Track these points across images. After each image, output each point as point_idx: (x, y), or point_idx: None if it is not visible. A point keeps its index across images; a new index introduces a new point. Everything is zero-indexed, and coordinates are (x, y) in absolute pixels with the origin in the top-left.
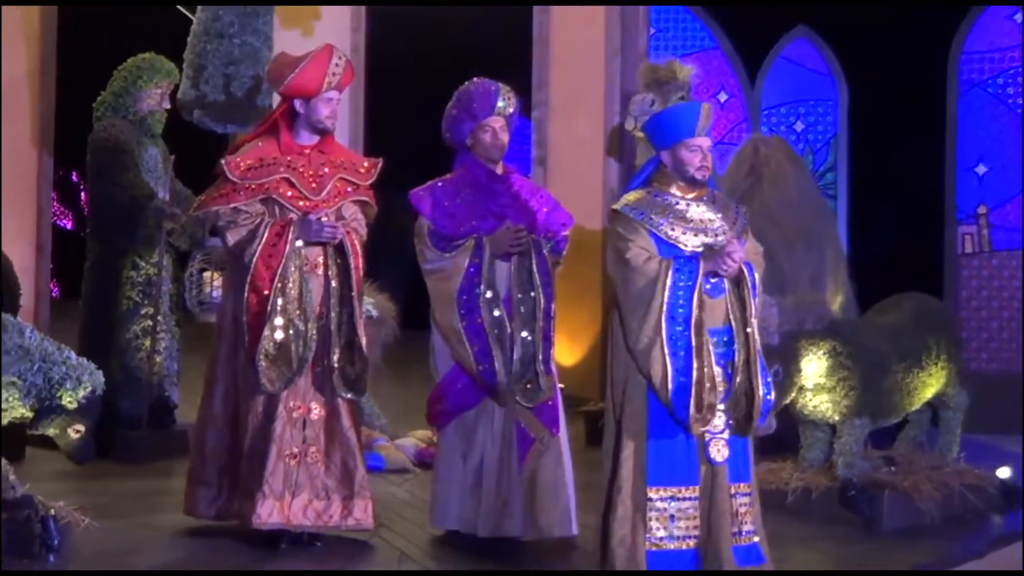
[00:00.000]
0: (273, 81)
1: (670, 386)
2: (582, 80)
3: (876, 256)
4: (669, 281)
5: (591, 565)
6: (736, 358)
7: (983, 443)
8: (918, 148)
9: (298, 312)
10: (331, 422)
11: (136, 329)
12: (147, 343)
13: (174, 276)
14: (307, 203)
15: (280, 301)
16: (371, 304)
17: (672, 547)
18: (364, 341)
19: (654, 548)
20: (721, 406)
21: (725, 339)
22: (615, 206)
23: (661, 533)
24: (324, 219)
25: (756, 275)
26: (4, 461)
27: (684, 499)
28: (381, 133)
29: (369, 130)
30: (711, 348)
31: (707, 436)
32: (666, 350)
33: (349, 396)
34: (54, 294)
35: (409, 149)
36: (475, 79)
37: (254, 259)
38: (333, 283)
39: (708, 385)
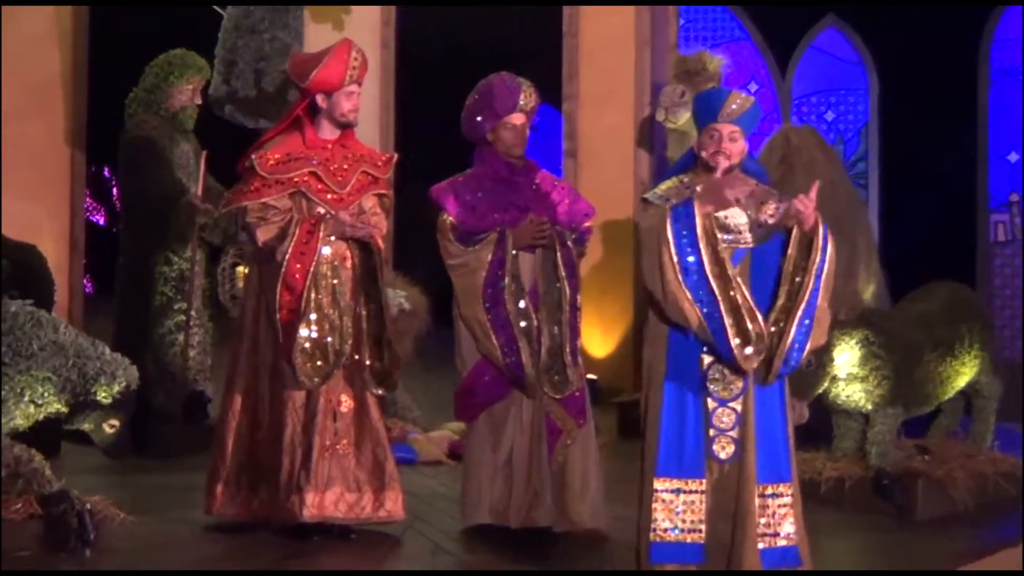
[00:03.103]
0: (296, 77)
1: (708, 331)
2: (612, 72)
3: (908, 245)
4: (671, 233)
5: (625, 555)
6: (774, 303)
7: (1016, 431)
8: (949, 136)
9: (332, 307)
10: (360, 414)
11: (170, 324)
12: (180, 338)
13: (207, 271)
14: (334, 196)
15: (314, 297)
16: (403, 297)
17: (674, 539)
18: (392, 335)
19: (657, 539)
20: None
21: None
22: (645, 195)
23: (666, 524)
24: (351, 215)
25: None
26: (40, 456)
27: (691, 492)
28: (411, 127)
29: (399, 124)
30: (739, 283)
31: (712, 432)
32: (690, 298)
33: (380, 392)
34: (88, 290)
35: (439, 143)
36: (497, 74)
37: (286, 257)
38: (360, 278)
39: (746, 315)
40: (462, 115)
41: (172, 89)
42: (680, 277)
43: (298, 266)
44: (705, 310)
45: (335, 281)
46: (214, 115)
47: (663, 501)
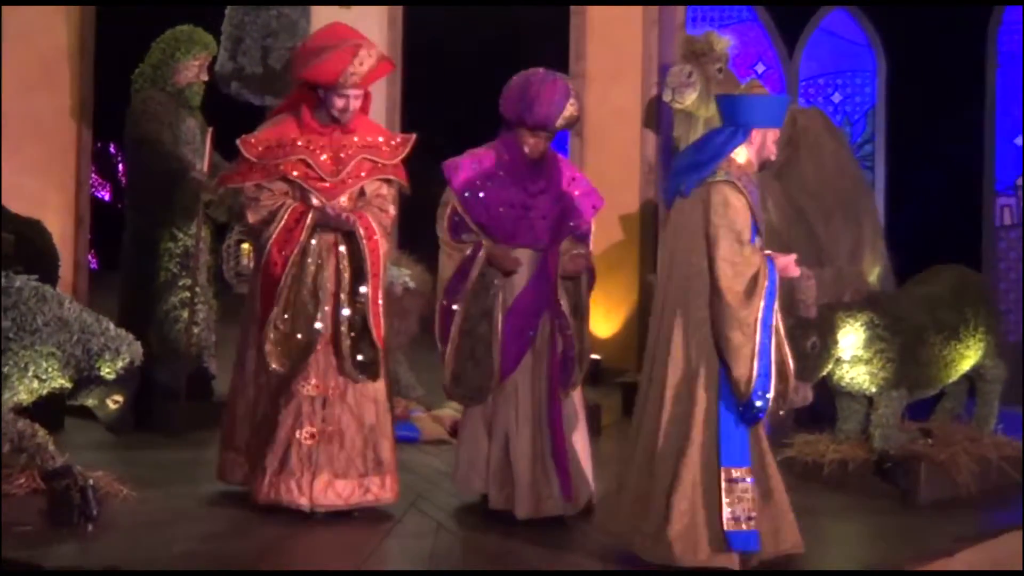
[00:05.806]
0: (295, 61)
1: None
2: (619, 52)
3: (914, 228)
4: (766, 287)
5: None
6: None
7: (1020, 415)
8: (956, 119)
9: (308, 297)
10: (349, 402)
11: (174, 300)
12: (185, 314)
13: (212, 247)
14: (325, 184)
15: (290, 286)
16: (408, 275)
17: (745, 527)
18: (380, 325)
19: (731, 528)
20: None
21: None
22: (719, 178)
23: (739, 513)
24: (343, 204)
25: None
26: (43, 431)
27: (746, 480)
28: (418, 102)
29: (406, 99)
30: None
31: None
32: (757, 352)
33: (361, 380)
34: (93, 266)
35: (445, 118)
36: (553, 81)
37: (269, 243)
38: (344, 269)
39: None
40: (504, 90)
41: (178, 65)
42: (759, 331)
43: (278, 254)
44: (765, 367)
45: (318, 271)
46: (220, 91)
47: (730, 491)
